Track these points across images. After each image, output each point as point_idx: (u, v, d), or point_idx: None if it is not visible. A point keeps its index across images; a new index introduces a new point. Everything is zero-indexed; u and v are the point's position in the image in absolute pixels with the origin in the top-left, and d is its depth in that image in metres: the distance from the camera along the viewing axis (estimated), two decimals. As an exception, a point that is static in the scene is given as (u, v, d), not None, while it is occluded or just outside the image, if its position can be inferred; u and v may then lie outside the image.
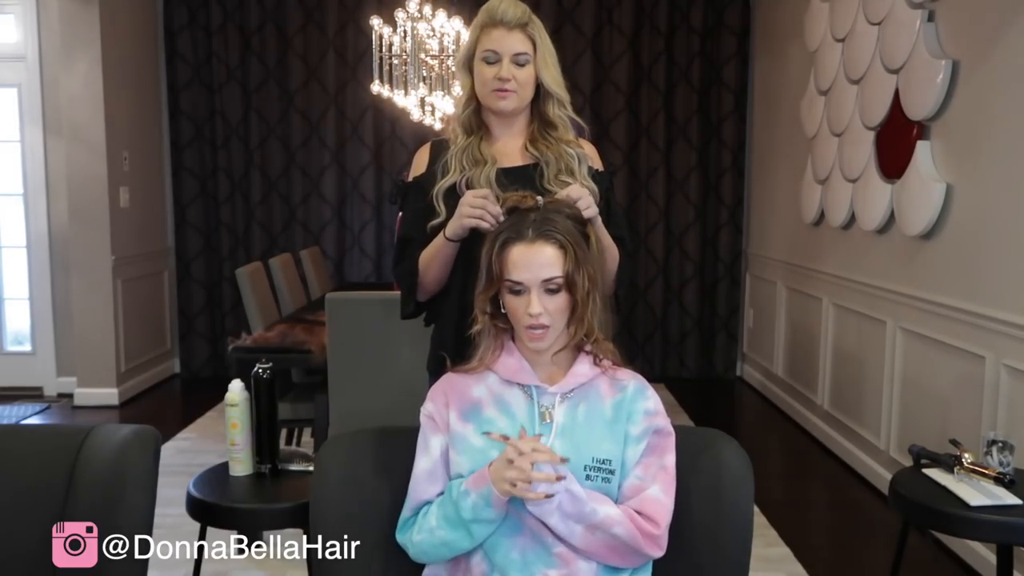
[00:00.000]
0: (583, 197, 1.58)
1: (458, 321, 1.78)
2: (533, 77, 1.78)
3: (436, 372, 1.82)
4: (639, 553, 1.38)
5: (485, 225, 1.58)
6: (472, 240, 1.68)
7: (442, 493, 1.43)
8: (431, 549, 1.40)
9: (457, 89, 3.93)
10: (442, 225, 1.76)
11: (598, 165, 1.89)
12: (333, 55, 5.52)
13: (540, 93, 1.82)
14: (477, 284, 1.46)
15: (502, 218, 1.54)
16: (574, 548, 1.37)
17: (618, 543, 1.36)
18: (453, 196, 1.77)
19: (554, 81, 1.81)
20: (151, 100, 5.46)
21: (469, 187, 1.77)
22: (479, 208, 1.59)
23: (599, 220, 1.64)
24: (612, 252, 1.78)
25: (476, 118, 1.84)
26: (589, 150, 1.89)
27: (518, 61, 1.76)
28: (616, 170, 5.40)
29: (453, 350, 1.64)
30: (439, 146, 1.88)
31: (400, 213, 1.95)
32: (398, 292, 1.90)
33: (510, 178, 1.77)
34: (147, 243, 5.39)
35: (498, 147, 1.84)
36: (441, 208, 1.77)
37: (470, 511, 1.34)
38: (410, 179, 1.90)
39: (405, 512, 1.45)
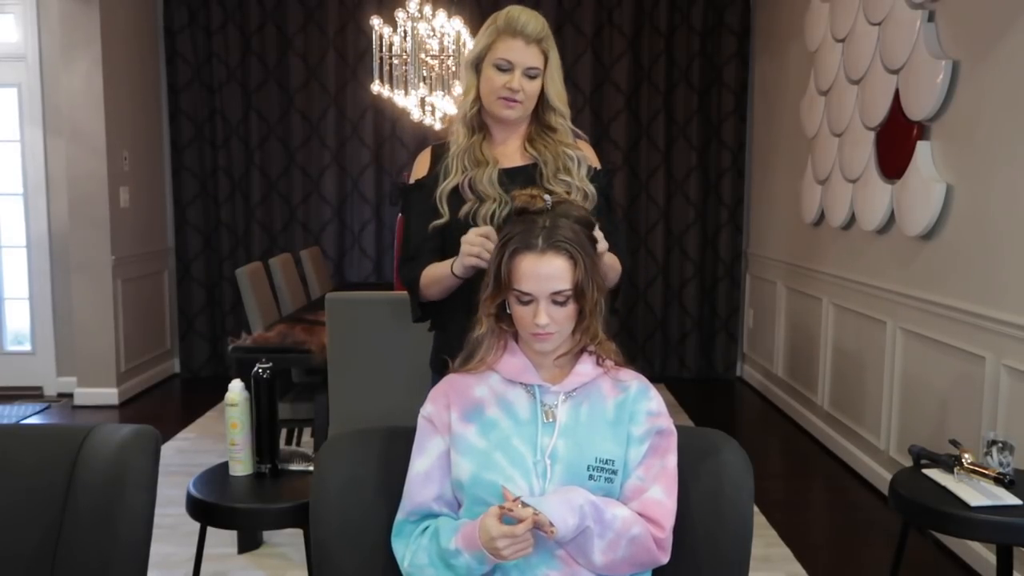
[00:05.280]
0: (600, 240, 1.58)
1: (464, 325, 1.80)
2: (539, 89, 1.80)
3: (440, 370, 1.83)
4: (651, 555, 1.38)
5: (484, 265, 1.59)
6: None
7: (438, 497, 1.42)
8: None
9: (458, 89, 3.96)
10: (445, 226, 1.79)
11: (596, 164, 1.90)
12: (333, 55, 5.53)
13: (543, 103, 1.83)
14: (483, 289, 1.46)
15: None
16: (596, 568, 1.36)
17: (636, 547, 1.36)
18: (456, 197, 1.79)
19: (558, 96, 1.83)
20: (151, 100, 5.46)
21: (471, 187, 1.79)
22: (477, 246, 1.61)
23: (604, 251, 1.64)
24: (616, 271, 1.80)
25: (478, 119, 1.85)
26: (586, 150, 1.90)
27: (529, 74, 1.77)
28: (613, 168, 5.39)
29: (458, 352, 1.64)
30: (440, 149, 1.90)
31: (400, 215, 1.97)
32: (398, 292, 1.91)
33: (510, 178, 1.79)
34: (147, 243, 5.39)
35: (497, 147, 1.86)
36: (444, 210, 1.79)
37: (464, 570, 1.33)
38: (412, 182, 1.91)
39: (400, 515, 1.45)
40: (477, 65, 1.81)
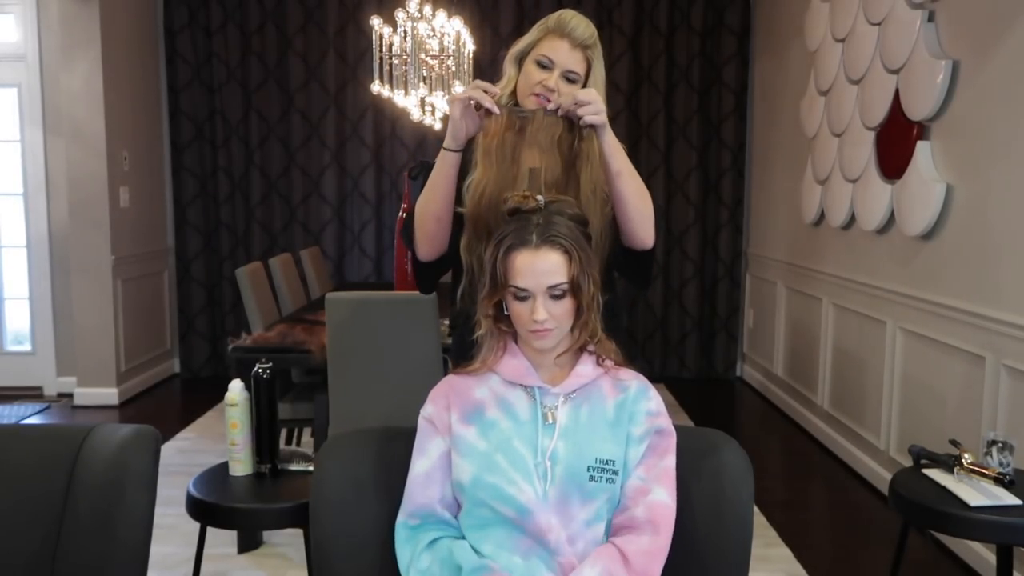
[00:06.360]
0: (592, 102, 1.58)
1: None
2: None
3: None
4: None
5: (476, 98, 1.61)
6: None
7: (439, 499, 1.41)
8: None
9: (458, 88, 3.95)
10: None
11: None
12: (333, 55, 5.53)
13: None
14: (480, 290, 1.46)
15: (495, 92, 1.62)
16: None
17: None
18: None
19: None
20: (151, 100, 5.46)
21: None
22: (469, 90, 1.61)
23: (612, 140, 1.63)
24: (634, 181, 1.71)
25: None
26: None
27: (568, 77, 1.76)
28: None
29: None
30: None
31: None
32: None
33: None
34: (147, 243, 5.40)
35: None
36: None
37: None
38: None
39: (400, 516, 1.44)
40: (520, 60, 1.80)
